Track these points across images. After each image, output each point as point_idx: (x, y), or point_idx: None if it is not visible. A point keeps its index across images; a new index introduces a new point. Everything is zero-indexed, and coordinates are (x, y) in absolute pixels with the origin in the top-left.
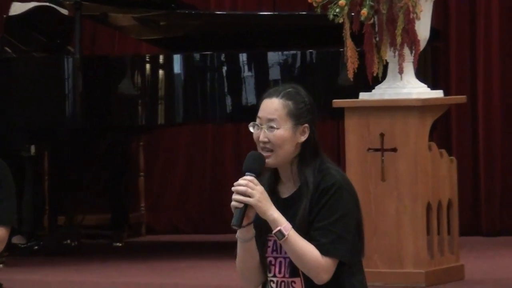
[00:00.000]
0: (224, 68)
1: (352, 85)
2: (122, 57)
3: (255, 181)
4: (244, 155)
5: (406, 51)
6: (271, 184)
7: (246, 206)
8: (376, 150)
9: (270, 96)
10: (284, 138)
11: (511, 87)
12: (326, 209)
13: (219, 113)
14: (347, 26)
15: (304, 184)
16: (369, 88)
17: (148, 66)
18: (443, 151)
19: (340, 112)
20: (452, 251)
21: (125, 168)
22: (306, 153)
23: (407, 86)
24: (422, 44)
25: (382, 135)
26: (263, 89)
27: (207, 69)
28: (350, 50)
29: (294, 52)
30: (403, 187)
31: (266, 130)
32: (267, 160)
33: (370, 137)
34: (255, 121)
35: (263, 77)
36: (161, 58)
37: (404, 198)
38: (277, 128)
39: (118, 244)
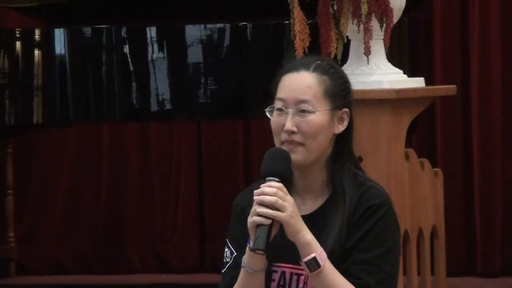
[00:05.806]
0: (126, 48)
1: None
2: None
3: (284, 189)
4: (155, 167)
5: (375, 24)
6: None
7: (273, 223)
8: None
9: (296, 69)
10: (320, 126)
11: None
12: (373, 236)
13: (119, 109)
14: None
15: (338, 197)
16: None
17: (19, 44)
18: (425, 160)
19: None
20: None
21: None
22: (342, 151)
23: (376, 72)
24: (397, 15)
25: None
26: (178, 75)
27: (102, 49)
28: (298, 23)
29: (221, 25)
30: None
31: (295, 116)
32: (294, 157)
33: None
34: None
35: (178, 60)
36: (37, 34)
37: None
38: (312, 112)
39: None
